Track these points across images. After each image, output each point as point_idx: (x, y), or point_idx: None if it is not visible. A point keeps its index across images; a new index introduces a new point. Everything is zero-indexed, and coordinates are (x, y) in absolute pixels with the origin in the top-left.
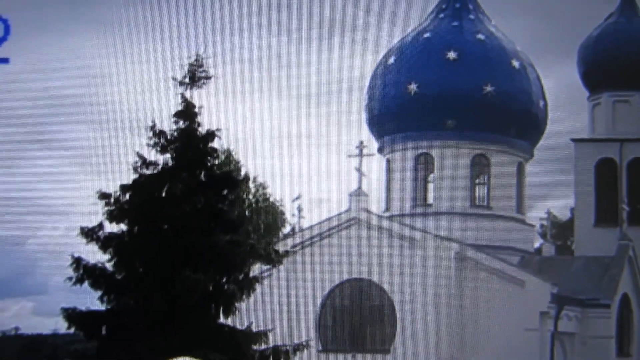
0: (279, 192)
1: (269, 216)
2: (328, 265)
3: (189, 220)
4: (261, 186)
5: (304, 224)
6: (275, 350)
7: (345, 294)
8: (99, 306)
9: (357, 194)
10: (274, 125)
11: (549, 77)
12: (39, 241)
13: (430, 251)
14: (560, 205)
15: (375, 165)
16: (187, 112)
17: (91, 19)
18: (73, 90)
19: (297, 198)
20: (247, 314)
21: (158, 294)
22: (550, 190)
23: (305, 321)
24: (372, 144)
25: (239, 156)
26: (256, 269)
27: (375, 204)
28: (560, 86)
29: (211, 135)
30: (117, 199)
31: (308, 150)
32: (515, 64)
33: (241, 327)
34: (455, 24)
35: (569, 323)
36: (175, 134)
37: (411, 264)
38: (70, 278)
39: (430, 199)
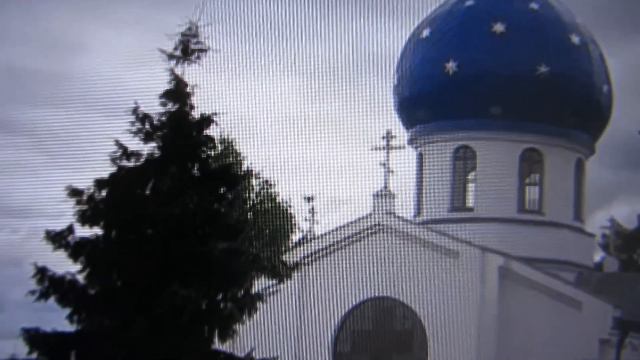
0: (288, 191)
1: (276, 220)
2: (346, 280)
3: (178, 223)
4: (267, 183)
5: (318, 230)
6: None
7: (367, 316)
8: (67, 327)
9: (383, 195)
10: (283, 110)
11: (615, 57)
12: None
13: (469, 265)
14: (627, 211)
15: (405, 160)
16: (178, 92)
17: None
18: (39, 64)
19: (310, 199)
20: (248, 338)
21: (139, 312)
22: (615, 192)
23: (318, 348)
24: (401, 134)
25: (240, 147)
26: (259, 284)
27: (404, 207)
28: (628, 67)
29: (207, 120)
30: (90, 197)
31: (324, 140)
32: (575, 39)
33: (240, 353)
34: None
35: (634, 353)
36: (163, 118)
37: (447, 280)
38: (32, 292)
39: (470, 202)
